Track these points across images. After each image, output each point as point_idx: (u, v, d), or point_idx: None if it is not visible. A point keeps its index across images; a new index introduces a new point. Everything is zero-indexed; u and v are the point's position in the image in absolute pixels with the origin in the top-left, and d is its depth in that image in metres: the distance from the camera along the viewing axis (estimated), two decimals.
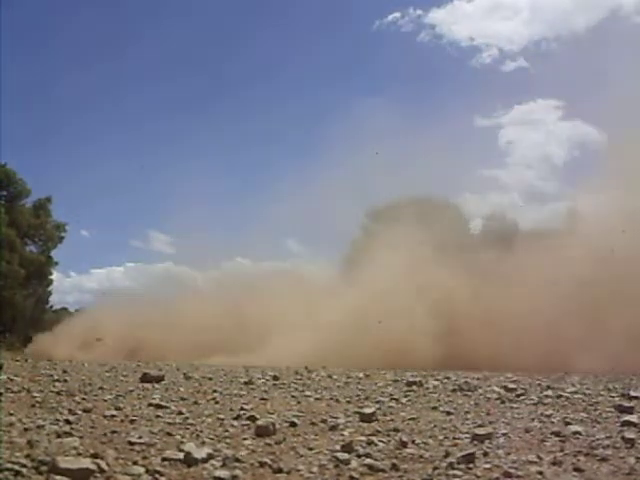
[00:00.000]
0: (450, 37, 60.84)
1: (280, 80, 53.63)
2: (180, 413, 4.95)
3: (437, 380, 8.05)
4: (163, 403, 5.41)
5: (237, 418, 4.77)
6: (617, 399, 6.02)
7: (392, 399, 6.19)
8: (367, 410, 4.99)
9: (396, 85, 48.87)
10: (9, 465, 2.84)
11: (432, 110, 42.66)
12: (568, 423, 4.63)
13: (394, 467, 3.29)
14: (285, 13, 55.50)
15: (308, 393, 6.57)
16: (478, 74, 48.13)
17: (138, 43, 53.05)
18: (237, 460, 3.33)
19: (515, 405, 5.80)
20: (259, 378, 8.04)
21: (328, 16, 55.08)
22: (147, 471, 3.02)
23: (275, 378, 8.03)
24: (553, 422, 4.74)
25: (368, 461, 3.38)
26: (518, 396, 6.40)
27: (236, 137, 50.39)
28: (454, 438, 4.10)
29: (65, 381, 7.08)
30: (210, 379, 7.91)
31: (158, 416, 4.78)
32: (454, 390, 6.97)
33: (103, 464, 2.96)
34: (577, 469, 3.27)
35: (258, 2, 53.82)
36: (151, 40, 53.33)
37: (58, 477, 2.77)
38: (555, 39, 51.01)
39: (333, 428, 4.44)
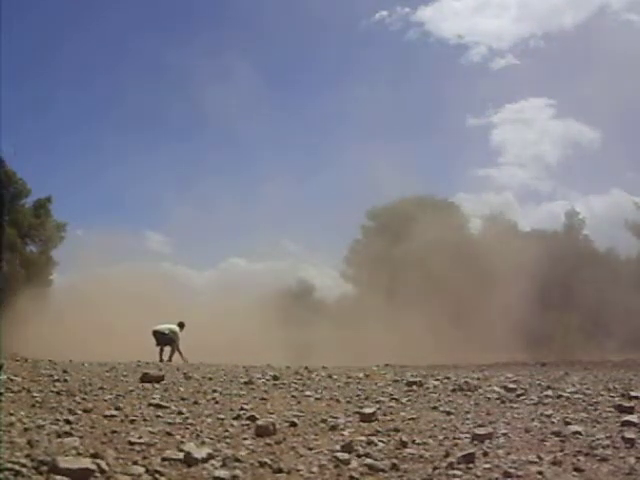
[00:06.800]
0: (438, 35, 60.96)
1: (270, 82, 53.75)
2: (180, 413, 4.94)
3: (437, 380, 8.05)
4: (163, 403, 5.40)
5: (237, 418, 4.77)
6: (617, 399, 6.01)
7: (392, 399, 6.19)
8: (367, 410, 4.99)
9: (385, 84, 48.96)
10: (9, 465, 2.84)
11: (424, 110, 42.84)
12: (568, 423, 4.62)
13: (394, 467, 3.29)
14: (272, 13, 55.50)
15: (308, 393, 6.57)
16: (468, 72, 48.26)
17: (138, 50, 53.19)
18: (237, 460, 3.33)
19: (515, 405, 5.80)
20: (259, 378, 8.03)
21: (314, 16, 55.12)
22: (147, 471, 3.02)
23: (275, 378, 8.02)
24: (553, 422, 4.74)
25: (368, 461, 3.38)
26: (518, 396, 6.40)
27: (233, 137, 50.40)
28: (454, 438, 4.10)
29: (65, 381, 7.07)
30: (210, 379, 7.90)
31: (158, 416, 4.77)
32: (454, 390, 6.97)
33: (103, 464, 2.96)
34: (577, 469, 3.27)
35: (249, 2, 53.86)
36: (151, 47, 53.49)
37: (58, 477, 2.77)
38: (543, 36, 51.26)
39: (333, 428, 4.44)
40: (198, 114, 52.41)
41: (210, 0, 54.10)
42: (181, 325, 15.37)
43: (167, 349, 14.81)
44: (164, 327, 15.03)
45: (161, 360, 14.14)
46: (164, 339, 14.86)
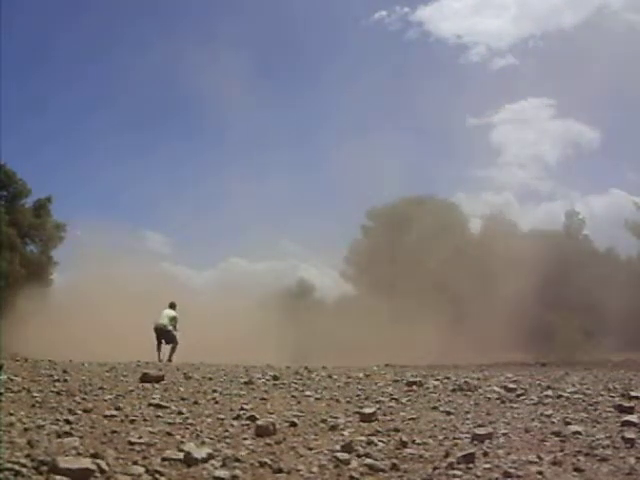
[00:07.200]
0: (438, 35, 60.96)
1: (268, 82, 53.78)
2: (180, 413, 4.94)
3: (437, 380, 8.04)
4: (163, 403, 5.40)
5: (237, 418, 4.76)
6: (617, 399, 6.01)
7: (392, 399, 6.19)
8: (367, 410, 4.98)
9: (384, 84, 48.99)
10: (9, 465, 2.84)
11: (424, 110, 42.86)
12: (568, 423, 4.62)
13: (394, 467, 3.29)
14: (270, 13, 55.59)
15: (308, 393, 6.56)
16: (467, 72, 48.22)
17: (135, 46, 53.24)
18: (237, 460, 3.33)
19: (515, 405, 5.80)
20: (259, 378, 8.02)
21: (313, 15, 55.20)
22: (147, 471, 3.02)
23: (275, 378, 8.01)
24: (553, 422, 4.74)
25: (368, 461, 3.38)
26: (518, 396, 6.40)
27: (233, 136, 50.39)
28: (454, 438, 4.10)
29: (65, 381, 7.06)
30: (210, 379, 7.89)
31: (158, 416, 4.77)
32: (454, 390, 6.97)
33: (103, 464, 2.96)
34: (577, 469, 3.27)
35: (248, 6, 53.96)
36: (147, 42, 53.47)
37: (58, 477, 2.77)
38: (543, 36, 51.16)
39: (333, 428, 4.43)
40: (198, 114, 52.53)
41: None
42: (173, 306, 14.97)
43: (166, 347, 14.50)
44: (165, 317, 14.49)
45: (160, 360, 13.93)
46: (167, 336, 14.38)
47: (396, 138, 39.74)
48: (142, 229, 51.17)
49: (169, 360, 13.83)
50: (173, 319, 14.69)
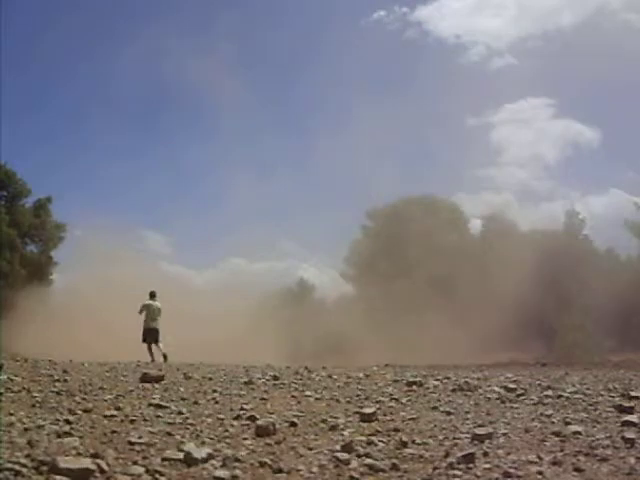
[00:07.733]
0: (437, 34, 61.03)
1: (268, 82, 53.88)
2: (180, 413, 4.94)
3: (437, 380, 8.04)
4: (163, 403, 5.40)
5: (237, 418, 4.76)
6: (617, 399, 6.01)
7: (392, 399, 6.19)
8: (367, 410, 4.98)
9: (383, 84, 49.00)
10: (9, 465, 2.84)
11: (423, 110, 42.93)
12: (568, 423, 4.62)
13: (394, 467, 3.29)
14: (269, 14, 55.64)
15: (308, 393, 6.56)
16: (466, 72, 48.23)
17: (133, 43, 53.22)
18: (237, 460, 3.33)
19: (515, 405, 5.80)
20: (259, 378, 8.02)
21: (311, 15, 55.27)
22: (147, 471, 3.02)
23: (275, 378, 8.01)
24: (553, 422, 4.74)
25: (368, 461, 3.38)
26: (518, 396, 6.40)
27: (232, 137, 50.38)
28: (454, 438, 4.10)
29: (65, 381, 7.06)
30: (210, 379, 7.89)
31: (158, 416, 4.77)
32: (454, 390, 6.96)
33: (103, 464, 2.96)
34: (577, 469, 3.27)
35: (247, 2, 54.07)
36: (148, 43, 53.43)
37: (58, 477, 2.77)
38: (542, 36, 51.11)
39: (333, 428, 4.43)
40: (198, 114, 52.56)
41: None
42: (154, 295, 14.54)
43: (156, 345, 13.98)
44: (156, 316, 14.07)
45: (152, 360, 13.36)
46: (157, 335, 14.01)
47: (396, 138, 39.80)
48: (142, 229, 51.22)
49: (165, 359, 13.28)
50: (160, 313, 14.35)
